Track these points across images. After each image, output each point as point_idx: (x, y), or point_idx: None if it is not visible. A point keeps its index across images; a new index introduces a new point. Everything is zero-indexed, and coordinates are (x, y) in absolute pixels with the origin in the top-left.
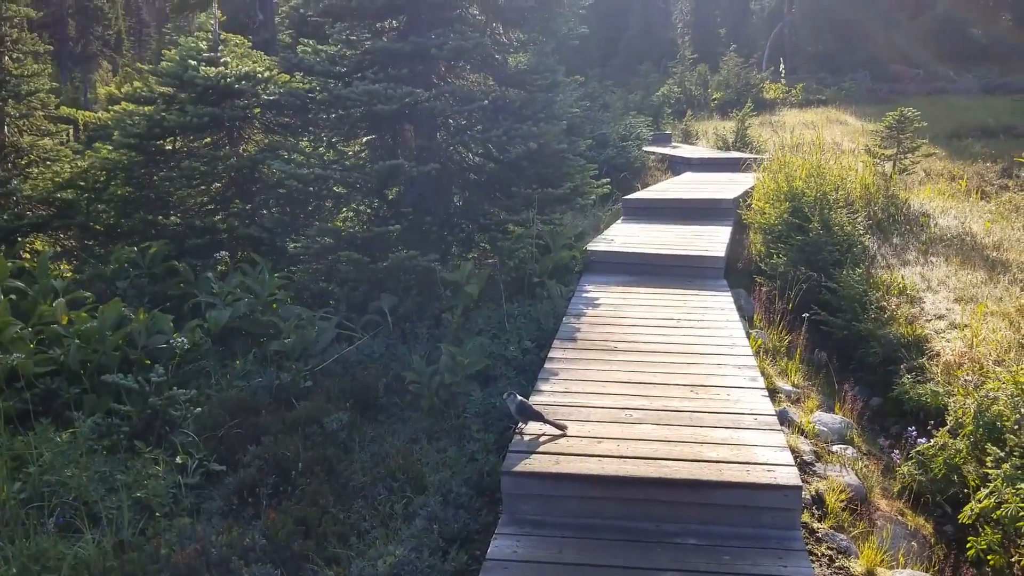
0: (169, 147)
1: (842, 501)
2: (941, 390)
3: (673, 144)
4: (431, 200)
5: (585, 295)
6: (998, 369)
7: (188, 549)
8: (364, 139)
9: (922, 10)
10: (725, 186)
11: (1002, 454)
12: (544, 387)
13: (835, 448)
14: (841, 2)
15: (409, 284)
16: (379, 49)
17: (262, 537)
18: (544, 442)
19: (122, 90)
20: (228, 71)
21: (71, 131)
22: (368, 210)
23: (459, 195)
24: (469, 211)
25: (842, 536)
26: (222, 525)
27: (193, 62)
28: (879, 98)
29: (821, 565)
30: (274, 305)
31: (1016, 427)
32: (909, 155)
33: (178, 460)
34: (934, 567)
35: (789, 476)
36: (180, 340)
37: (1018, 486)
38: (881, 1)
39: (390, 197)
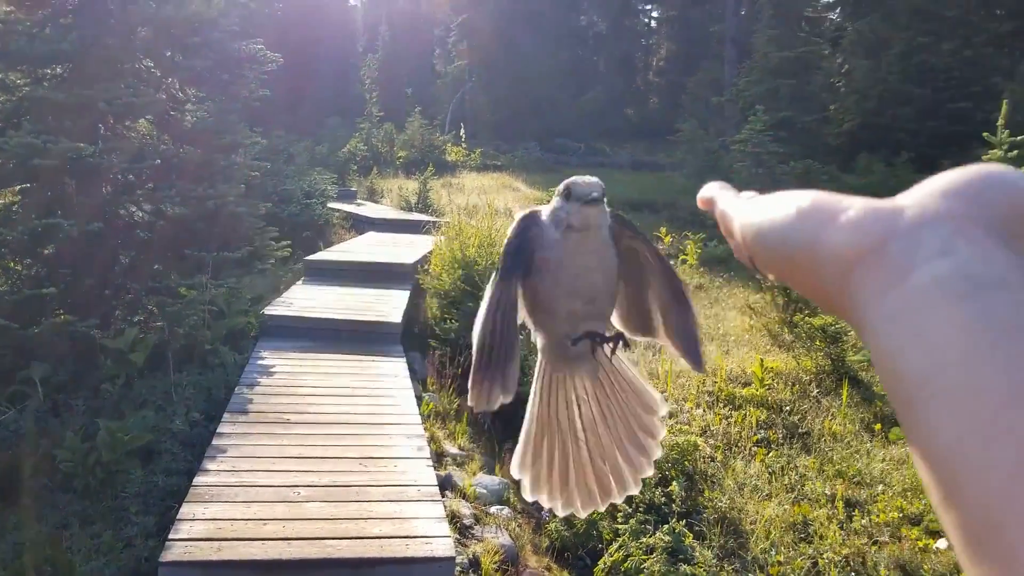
0: None
1: (496, 562)
2: None
3: (358, 201)
4: (93, 260)
5: (260, 363)
6: None
7: None
8: (18, 188)
9: (583, 91)
10: (406, 248)
11: (629, 510)
12: (211, 466)
13: (493, 509)
14: (512, 78)
15: (65, 351)
16: (39, 98)
17: None
18: (205, 529)
19: None
20: None
21: None
22: (20, 268)
23: (125, 255)
24: (136, 273)
25: None
26: None
27: None
28: (547, 167)
29: None
30: None
31: None
32: None
33: None
34: None
35: (445, 548)
36: None
37: (641, 540)
38: (548, 81)
39: (46, 253)
